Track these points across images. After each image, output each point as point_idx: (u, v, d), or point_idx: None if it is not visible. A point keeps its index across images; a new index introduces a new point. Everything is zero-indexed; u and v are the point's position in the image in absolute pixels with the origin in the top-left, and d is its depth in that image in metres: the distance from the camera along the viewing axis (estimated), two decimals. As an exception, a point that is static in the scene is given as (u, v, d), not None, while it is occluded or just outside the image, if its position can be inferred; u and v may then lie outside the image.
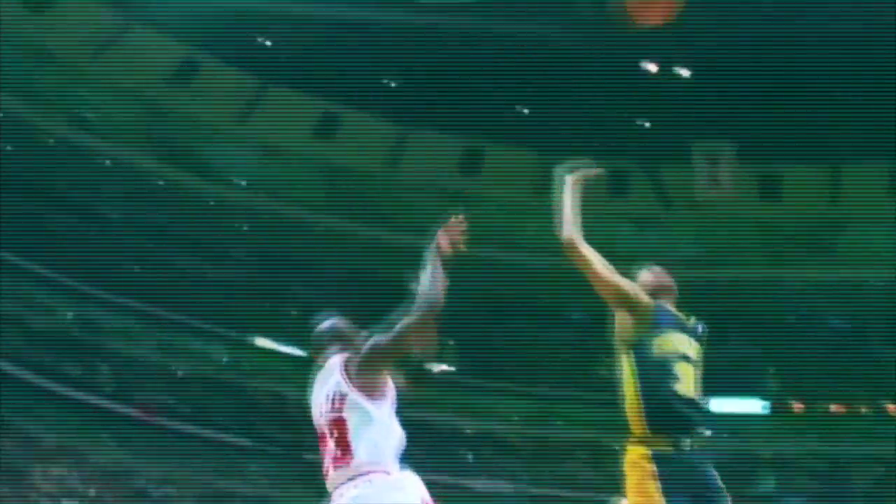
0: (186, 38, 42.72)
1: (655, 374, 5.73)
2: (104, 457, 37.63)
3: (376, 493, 5.04)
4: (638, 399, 5.72)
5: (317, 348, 5.78)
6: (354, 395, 5.24)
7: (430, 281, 5.63)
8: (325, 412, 5.32)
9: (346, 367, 5.33)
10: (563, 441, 44.37)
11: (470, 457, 44.21)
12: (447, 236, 5.98)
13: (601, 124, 40.44)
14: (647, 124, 43.44)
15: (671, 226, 46.72)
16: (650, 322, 5.87)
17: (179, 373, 44.77)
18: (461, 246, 5.74)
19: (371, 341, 5.34)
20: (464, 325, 45.54)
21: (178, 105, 44.44)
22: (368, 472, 5.08)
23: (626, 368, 5.83)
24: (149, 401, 42.49)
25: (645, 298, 5.99)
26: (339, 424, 5.25)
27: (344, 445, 5.21)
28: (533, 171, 45.77)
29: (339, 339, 5.75)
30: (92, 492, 29.98)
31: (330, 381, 5.42)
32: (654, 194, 46.22)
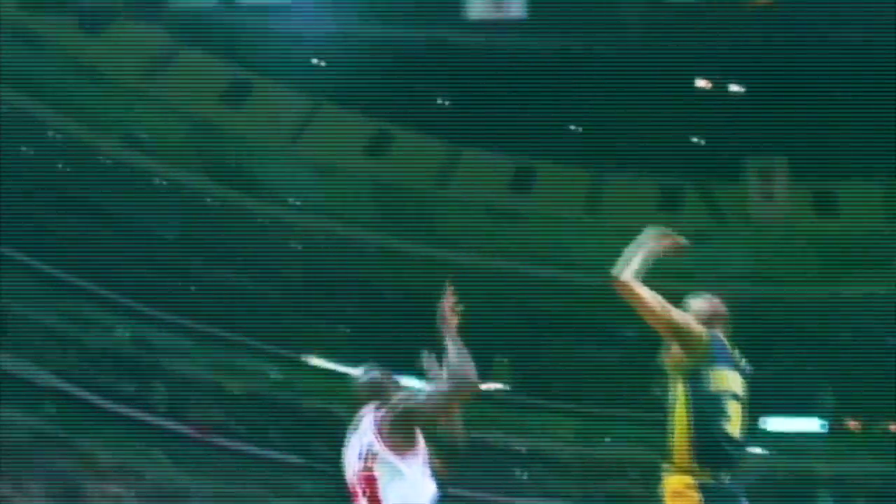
0: (238, 57, 43.01)
1: (709, 409, 5.67)
2: (159, 475, 37.82)
3: None
4: (688, 431, 5.66)
5: (354, 400, 5.65)
6: (385, 453, 5.23)
7: (457, 359, 5.53)
8: (357, 470, 5.36)
9: (380, 426, 5.30)
10: (614, 460, 44.07)
11: (522, 475, 44.00)
12: (448, 306, 6.03)
13: (653, 141, 40.29)
14: (700, 140, 43.12)
15: (725, 243, 46.26)
16: (706, 354, 5.78)
17: (234, 391, 44.97)
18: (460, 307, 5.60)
19: (403, 404, 5.32)
20: (516, 343, 45.54)
21: (231, 124, 44.73)
22: None
23: (679, 397, 5.75)
24: (203, 419, 42.69)
25: (699, 330, 5.89)
26: (370, 482, 5.30)
27: (375, 503, 5.24)
28: (584, 188, 45.73)
29: (376, 392, 5.68)
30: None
31: (363, 438, 5.40)
32: (707, 211, 45.84)
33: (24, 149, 42.61)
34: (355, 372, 6.00)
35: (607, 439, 44.34)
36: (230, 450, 42.10)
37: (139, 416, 40.78)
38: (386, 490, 5.17)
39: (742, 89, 40.79)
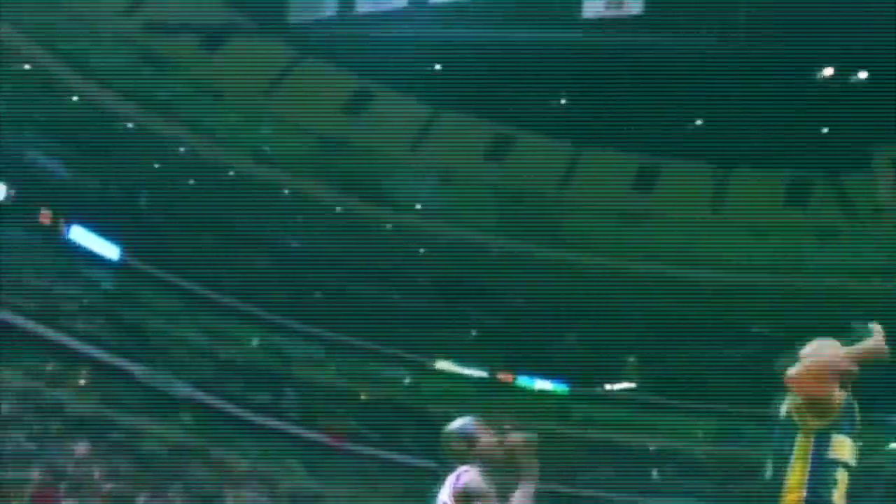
0: (357, 67, 43.42)
1: (822, 473, 5.60)
2: (294, 482, 38.39)
3: None
4: (801, 487, 5.61)
5: (445, 449, 5.62)
6: None
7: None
8: None
9: (454, 495, 5.25)
10: (751, 459, 43.31)
11: (655, 475, 43.60)
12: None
13: (779, 135, 39.53)
14: (827, 132, 42.15)
15: (855, 235, 45.19)
16: (839, 419, 5.69)
17: (366, 398, 45.43)
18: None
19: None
20: (644, 342, 45.19)
21: (353, 134, 45.20)
22: None
23: (800, 453, 5.67)
24: (336, 426, 43.19)
25: (841, 398, 5.77)
26: None
27: None
28: (709, 185, 45.10)
29: (466, 442, 5.61)
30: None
31: (444, 492, 5.36)
32: (836, 205, 44.84)
33: (156, 166, 43.68)
34: (452, 425, 5.78)
35: (743, 439, 43.61)
36: (363, 456, 42.53)
37: (273, 424, 41.45)
38: None
39: (868, 77, 39.73)
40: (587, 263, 45.02)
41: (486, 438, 5.57)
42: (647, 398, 45.02)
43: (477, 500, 5.06)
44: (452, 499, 5.12)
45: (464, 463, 5.34)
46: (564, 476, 42.54)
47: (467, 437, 5.59)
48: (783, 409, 5.80)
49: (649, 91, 38.56)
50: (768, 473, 5.85)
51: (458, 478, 5.17)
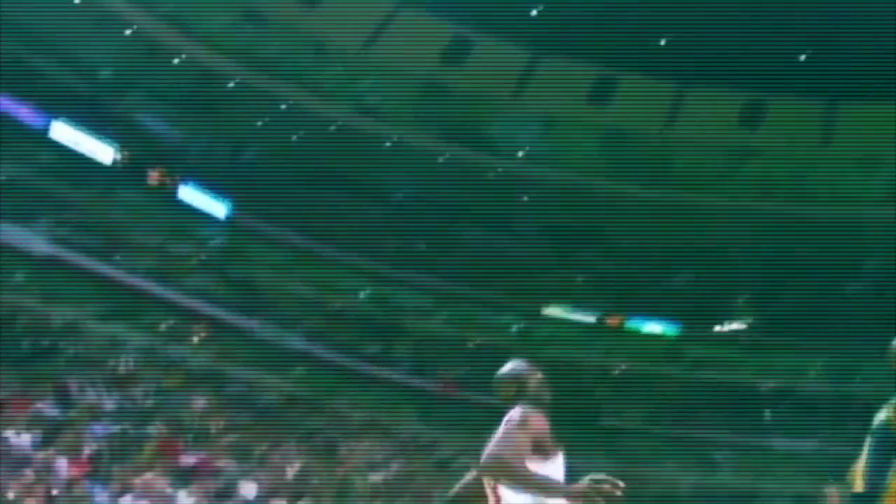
0: (455, 15, 43.27)
1: None
2: (407, 430, 38.78)
3: None
4: None
5: (496, 394, 5.56)
6: None
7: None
8: None
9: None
10: (867, 397, 42.58)
11: (768, 415, 43.16)
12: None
13: (891, 65, 38.43)
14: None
15: None
16: None
17: (472, 344, 45.60)
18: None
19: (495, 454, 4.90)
20: (755, 282, 44.53)
21: (454, 82, 45.12)
22: None
23: None
24: (446, 374, 43.48)
25: None
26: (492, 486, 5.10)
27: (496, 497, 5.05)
28: (817, 119, 44.17)
29: (516, 386, 5.52)
30: (395, 465, 30.89)
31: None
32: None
33: (260, 124, 44.16)
34: (501, 370, 5.67)
35: (859, 376, 42.87)
36: (475, 403, 42.77)
37: (385, 374, 41.89)
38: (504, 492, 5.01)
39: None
40: (695, 203, 44.45)
41: (535, 381, 5.52)
42: (760, 338, 44.46)
43: (520, 430, 4.95)
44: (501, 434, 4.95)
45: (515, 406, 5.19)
46: (677, 418, 42.42)
47: (517, 380, 5.52)
48: (881, 416, 5.65)
49: (752, 26, 37.86)
50: (857, 484, 5.66)
51: (508, 419, 5.05)
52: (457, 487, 5.29)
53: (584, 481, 4.79)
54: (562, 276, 47.90)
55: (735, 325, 46.42)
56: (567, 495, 4.80)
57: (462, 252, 46.08)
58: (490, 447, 4.83)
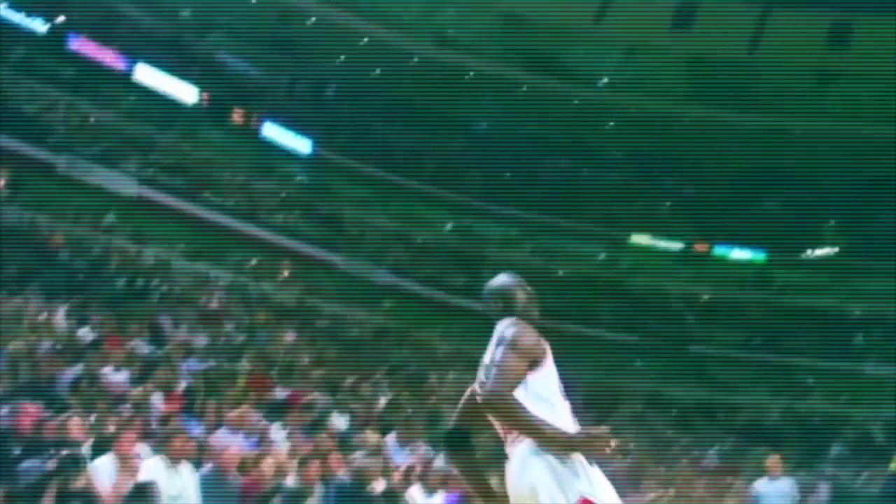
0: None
1: None
2: (495, 360, 38.93)
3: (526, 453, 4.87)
4: None
5: (485, 309, 5.60)
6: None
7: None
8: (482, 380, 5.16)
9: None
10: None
11: (859, 339, 42.65)
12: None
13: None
14: None
15: None
16: None
17: (559, 273, 45.57)
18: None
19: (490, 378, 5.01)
20: (844, 206, 43.75)
21: (533, 11, 44.66)
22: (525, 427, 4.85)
23: None
24: (533, 304, 43.43)
25: None
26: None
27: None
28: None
29: (504, 298, 5.56)
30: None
31: (491, 347, 5.24)
32: None
33: (341, 59, 44.20)
34: (489, 283, 5.73)
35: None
36: (562, 332, 42.82)
37: (473, 305, 41.94)
38: None
39: None
40: (783, 126, 43.72)
41: (523, 295, 5.57)
42: (850, 262, 43.80)
43: (510, 339, 5.09)
44: (493, 346, 5.10)
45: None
46: (766, 344, 42.09)
47: (505, 294, 5.57)
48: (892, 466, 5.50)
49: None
50: None
51: (500, 337, 5.17)
52: (461, 405, 5.36)
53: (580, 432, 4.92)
54: (647, 203, 47.58)
55: (824, 250, 45.81)
56: (560, 442, 4.85)
57: (546, 182, 45.92)
58: (490, 381, 4.96)
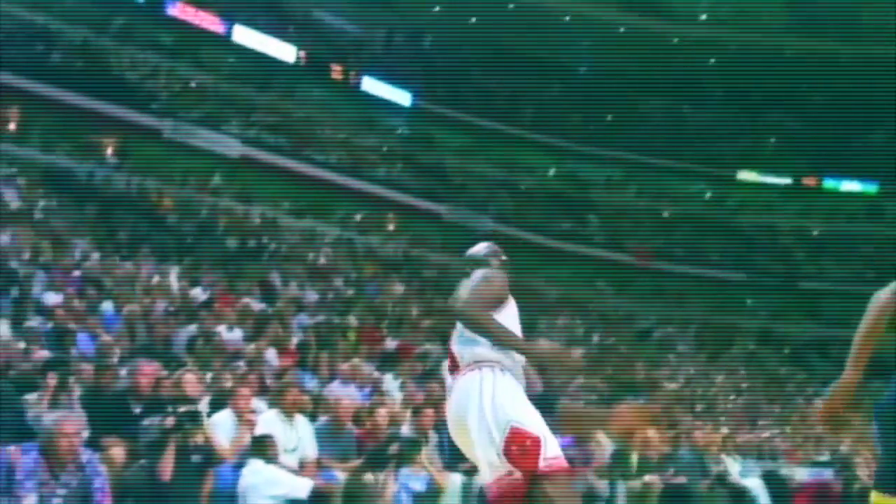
0: None
1: None
2: (604, 304, 38.87)
3: (497, 382, 4.89)
4: None
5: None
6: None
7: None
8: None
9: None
10: None
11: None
12: None
13: None
14: None
15: None
16: None
17: (665, 214, 45.22)
18: None
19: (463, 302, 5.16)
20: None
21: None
22: (479, 364, 4.95)
23: None
24: (640, 246, 43.28)
25: None
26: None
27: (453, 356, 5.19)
28: None
29: (477, 265, 5.71)
30: (595, 338, 31.08)
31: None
32: None
33: (436, 9, 44.04)
34: (471, 250, 5.99)
35: None
36: (670, 273, 42.55)
37: (579, 249, 41.92)
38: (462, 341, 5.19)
39: None
40: (888, 55, 42.52)
41: (496, 262, 5.77)
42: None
43: (484, 276, 5.29)
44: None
45: None
46: (880, 276, 41.23)
47: (479, 262, 5.78)
48: None
49: None
50: None
51: (472, 277, 5.39)
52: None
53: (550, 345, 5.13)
54: (753, 139, 46.87)
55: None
56: (529, 353, 5.10)
57: (649, 122, 45.48)
58: (465, 296, 5.17)
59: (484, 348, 4.99)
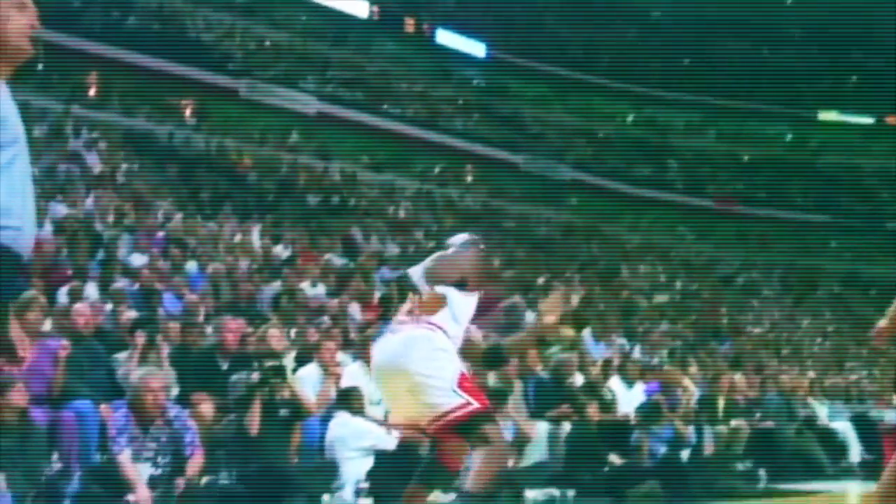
0: None
1: None
2: (686, 250, 38.57)
3: (428, 341, 5.02)
4: None
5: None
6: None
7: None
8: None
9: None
10: None
11: None
12: None
13: None
14: None
15: None
16: None
17: (746, 157, 44.71)
18: None
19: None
20: None
21: None
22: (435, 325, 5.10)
23: None
24: (722, 190, 42.89)
25: None
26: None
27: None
28: None
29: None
30: (678, 284, 30.91)
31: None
32: None
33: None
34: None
35: None
36: (752, 216, 42.11)
37: (659, 195, 41.64)
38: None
39: None
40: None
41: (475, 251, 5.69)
42: None
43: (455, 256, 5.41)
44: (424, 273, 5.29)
45: None
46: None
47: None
48: None
49: None
50: None
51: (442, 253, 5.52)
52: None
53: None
54: (833, 79, 45.98)
55: None
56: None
57: (727, 64, 44.85)
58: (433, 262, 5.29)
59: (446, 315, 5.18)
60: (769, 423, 13.22)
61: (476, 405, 4.84)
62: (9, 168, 3.29)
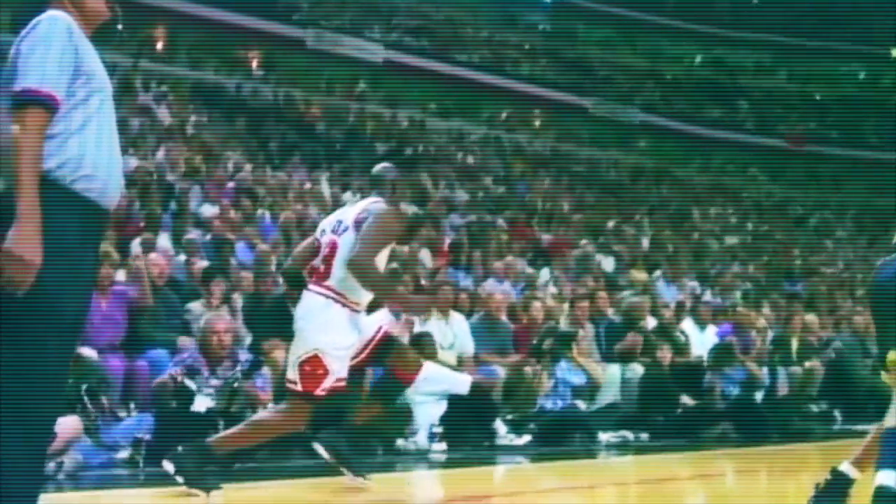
0: None
1: None
2: (757, 191, 38.16)
3: (332, 316, 5.76)
4: None
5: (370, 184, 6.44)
6: (354, 236, 5.80)
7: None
8: (328, 232, 5.99)
9: (358, 222, 5.84)
10: None
11: None
12: None
13: None
14: None
15: None
16: None
17: (818, 97, 44.07)
18: None
19: (362, 240, 5.75)
20: None
21: None
22: (338, 300, 5.79)
23: None
24: (792, 130, 42.33)
25: None
26: (332, 247, 5.88)
27: (328, 265, 5.85)
28: None
29: (382, 185, 6.23)
30: (749, 225, 30.61)
31: (349, 214, 6.01)
32: None
33: None
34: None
35: None
36: (825, 156, 41.57)
37: (730, 137, 41.21)
38: (340, 260, 5.86)
39: None
40: None
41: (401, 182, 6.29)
42: None
43: (377, 230, 5.81)
44: (356, 223, 5.86)
45: None
46: None
47: (382, 179, 6.27)
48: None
49: None
50: None
51: (367, 204, 5.99)
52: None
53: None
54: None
55: None
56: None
57: (798, 2, 44.03)
58: (357, 248, 5.72)
59: (342, 284, 5.77)
60: (843, 363, 13.13)
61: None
62: (98, 115, 3.39)
